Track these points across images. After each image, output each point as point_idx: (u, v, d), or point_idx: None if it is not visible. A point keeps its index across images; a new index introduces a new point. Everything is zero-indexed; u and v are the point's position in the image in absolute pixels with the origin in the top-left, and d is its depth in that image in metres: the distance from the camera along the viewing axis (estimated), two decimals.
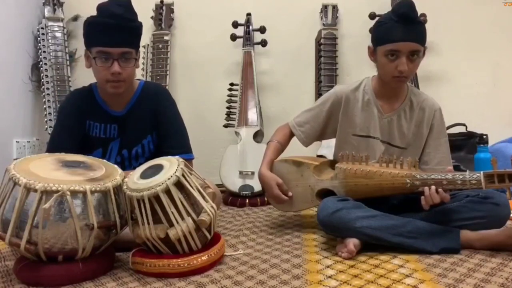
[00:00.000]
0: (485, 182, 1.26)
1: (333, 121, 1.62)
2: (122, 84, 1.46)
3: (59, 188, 1.11)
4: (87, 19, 1.45)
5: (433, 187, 1.29)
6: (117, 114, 1.55)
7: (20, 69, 2.47)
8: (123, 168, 1.49)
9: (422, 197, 1.31)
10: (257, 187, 2.17)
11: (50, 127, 2.38)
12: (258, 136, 2.43)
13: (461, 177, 1.29)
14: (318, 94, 2.50)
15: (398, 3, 1.48)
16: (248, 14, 2.58)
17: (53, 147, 1.49)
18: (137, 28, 1.48)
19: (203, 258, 1.21)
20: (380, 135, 1.55)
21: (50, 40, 2.49)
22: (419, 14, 1.41)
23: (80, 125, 1.53)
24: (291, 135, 1.68)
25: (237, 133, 2.43)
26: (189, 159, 1.53)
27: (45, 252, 1.13)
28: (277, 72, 2.71)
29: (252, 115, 2.45)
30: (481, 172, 1.27)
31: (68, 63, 2.51)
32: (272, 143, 1.66)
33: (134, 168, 1.39)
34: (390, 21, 1.43)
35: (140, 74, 2.53)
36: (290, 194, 1.60)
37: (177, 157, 1.30)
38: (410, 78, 1.52)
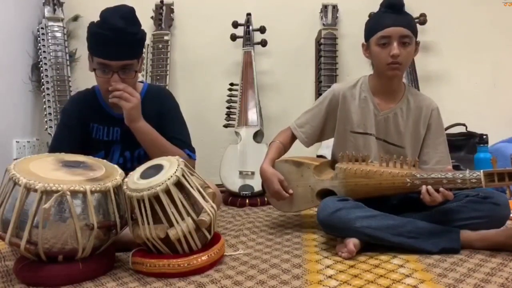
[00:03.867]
0: (485, 180, 1.26)
1: (332, 119, 1.62)
2: None
3: (59, 188, 1.11)
4: (90, 25, 1.43)
5: (429, 186, 1.30)
6: (121, 117, 1.54)
7: (20, 69, 2.47)
8: (125, 169, 1.50)
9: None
10: (257, 187, 2.17)
11: (50, 127, 2.38)
12: (258, 136, 2.43)
13: (461, 176, 1.29)
14: (318, 94, 2.50)
15: None
16: (248, 14, 2.58)
17: (55, 148, 1.49)
18: (139, 40, 1.47)
19: (203, 258, 1.21)
20: (375, 132, 1.55)
21: (50, 40, 2.49)
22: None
23: (82, 127, 1.54)
24: (293, 137, 1.68)
25: (237, 133, 2.43)
26: (192, 159, 1.55)
27: (45, 252, 1.13)
28: (277, 72, 2.71)
29: (252, 115, 2.45)
30: (481, 171, 1.27)
31: (68, 63, 2.51)
32: (274, 143, 1.67)
33: None
34: (378, 12, 1.51)
35: (140, 74, 2.53)
36: (291, 191, 1.60)
37: (177, 157, 1.30)
38: (405, 68, 1.53)
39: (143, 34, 1.49)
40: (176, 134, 1.57)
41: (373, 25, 1.50)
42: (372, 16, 1.57)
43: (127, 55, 1.42)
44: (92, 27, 1.42)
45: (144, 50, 2.52)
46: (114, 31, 1.37)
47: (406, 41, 1.45)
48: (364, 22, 1.57)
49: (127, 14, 1.41)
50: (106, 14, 1.40)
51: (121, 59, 1.41)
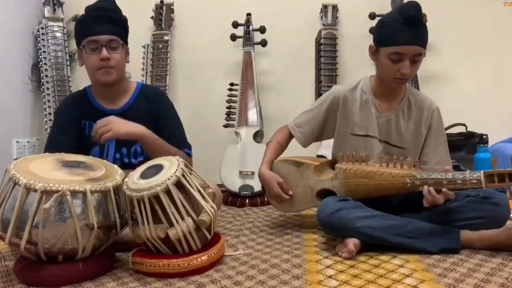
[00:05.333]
0: (485, 181, 1.26)
1: (332, 121, 1.62)
2: (112, 71, 1.51)
3: (59, 188, 1.11)
4: (77, 19, 1.55)
5: (431, 188, 1.30)
6: (113, 113, 1.55)
7: (20, 69, 2.47)
8: (123, 165, 1.51)
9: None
10: (257, 187, 2.17)
11: (50, 127, 2.38)
12: (258, 136, 2.43)
13: (461, 176, 1.29)
14: (318, 94, 2.50)
15: (404, 4, 1.46)
16: (248, 14, 2.58)
17: (50, 148, 1.50)
18: (122, 20, 1.57)
19: (203, 258, 1.21)
20: (378, 134, 1.55)
21: (50, 40, 2.49)
22: None
23: (75, 126, 1.56)
24: (290, 136, 1.68)
25: (237, 133, 2.44)
26: (190, 156, 1.60)
27: (45, 252, 1.13)
28: (277, 72, 2.71)
29: (252, 115, 2.45)
30: (481, 171, 1.27)
31: (68, 63, 2.51)
32: (272, 143, 1.67)
33: (134, 166, 1.40)
34: (395, 22, 1.41)
35: (140, 74, 2.54)
36: (291, 192, 1.60)
37: (177, 157, 1.30)
38: (409, 80, 1.53)
39: (125, 19, 1.58)
40: (174, 133, 1.60)
41: (387, 36, 1.43)
42: (387, 22, 1.45)
43: (113, 30, 1.51)
44: (78, 18, 1.55)
45: (143, 49, 2.56)
46: (98, 10, 1.50)
47: (417, 59, 1.43)
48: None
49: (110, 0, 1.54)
50: (89, 5, 1.53)
51: (107, 33, 1.49)
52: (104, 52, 1.48)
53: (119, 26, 1.54)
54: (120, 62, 1.54)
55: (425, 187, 1.31)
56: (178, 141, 1.59)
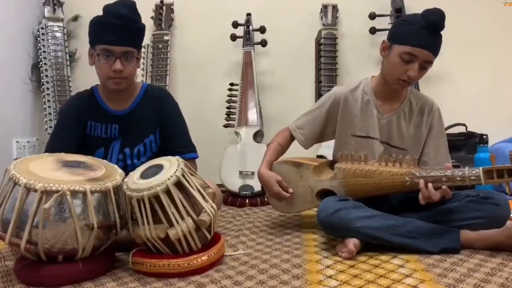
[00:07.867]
0: (484, 177, 1.26)
1: (332, 122, 1.62)
2: (124, 81, 1.49)
3: (59, 188, 1.11)
4: (93, 18, 1.48)
5: (429, 184, 1.29)
6: (119, 114, 1.56)
7: (20, 69, 2.47)
8: (125, 165, 1.53)
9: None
10: (257, 187, 2.17)
11: (50, 127, 2.39)
12: (258, 136, 2.43)
13: (460, 173, 1.29)
14: (318, 94, 2.51)
15: (430, 10, 1.45)
16: (248, 14, 2.59)
17: (50, 147, 1.51)
18: (140, 29, 1.52)
19: (203, 258, 1.21)
20: (379, 135, 1.55)
21: (50, 40, 2.49)
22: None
23: (79, 127, 1.55)
24: (292, 138, 1.68)
25: (237, 133, 2.44)
26: (195, 158, 1.61)
27: (45, 252, 1.13)
28: (277, 72, 2.71)
29: (252, 115, 2.45)
30: (480, 168, 1.27)
31: (68, 63, 2.51)
32: (272, 144, 1.67)
33: (135, 166, 1.40)
34: (417, 24, 1.41)
35: (140, 74, 2.53)
36: (291, 190, 1.59)
37: (177, 157, 1.30)
38: (411, 84, 1.53)
39: (143, 26, 1.53)
40: (179, 135, 1.61)
41: (405, 35, 1.43)
42: (408, 21, 1.45)
43: (130, 41, 1.47)
44: (95, 18, 1.47)
45: (143, 49, 2.56)
46: (118, 17, 1.42)
47: (426, 66, 1.44)
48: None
49: (130, 4, 1.47)
50: (109, 5, 1.46)
51: (124, 45, 1.45)
52: (118, 64, 1.44)
53: (136, 35, 1.50)
54: (132, 72, 1.52)
55: (421, 180, 1.30)
56: (183, 143, 1.60)
